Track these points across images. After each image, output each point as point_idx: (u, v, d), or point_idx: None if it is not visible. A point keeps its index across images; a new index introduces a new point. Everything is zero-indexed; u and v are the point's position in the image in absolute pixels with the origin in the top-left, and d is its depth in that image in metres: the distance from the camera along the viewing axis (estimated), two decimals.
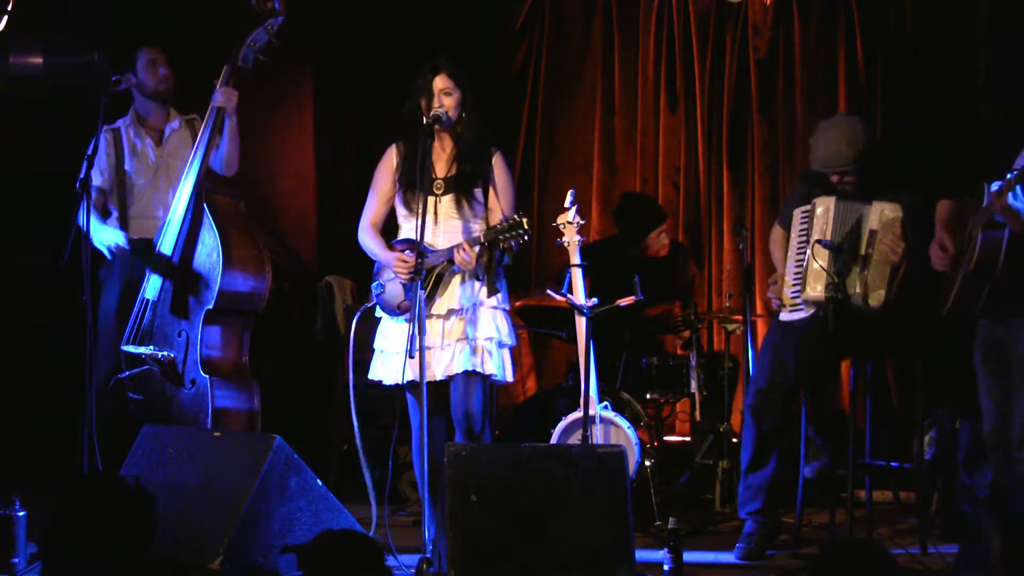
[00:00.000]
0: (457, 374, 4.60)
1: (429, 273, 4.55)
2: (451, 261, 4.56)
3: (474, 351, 4.58)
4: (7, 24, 5.77)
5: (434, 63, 4.64)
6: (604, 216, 6.91)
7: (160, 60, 5.38)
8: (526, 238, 4.47)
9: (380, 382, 4.73)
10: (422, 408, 4.31)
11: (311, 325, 6.55)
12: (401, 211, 4.76)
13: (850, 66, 6.67)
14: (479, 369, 4.59)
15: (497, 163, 4.71)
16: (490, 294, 4.61)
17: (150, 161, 5.34)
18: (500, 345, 4.65)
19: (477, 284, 4.62)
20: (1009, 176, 4.25)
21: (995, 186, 4.28)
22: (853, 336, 4.79)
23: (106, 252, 5.17)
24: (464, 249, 4.49)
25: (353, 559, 2.95)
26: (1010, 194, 4.25)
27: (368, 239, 4.80)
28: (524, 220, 4.45)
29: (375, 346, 4.77)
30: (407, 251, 4.59)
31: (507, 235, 4.47)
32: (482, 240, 4.53)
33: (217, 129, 5.13)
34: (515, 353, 5.04)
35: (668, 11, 6.91)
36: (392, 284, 4.64)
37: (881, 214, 4.82)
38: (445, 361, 4.59)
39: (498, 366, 4.63)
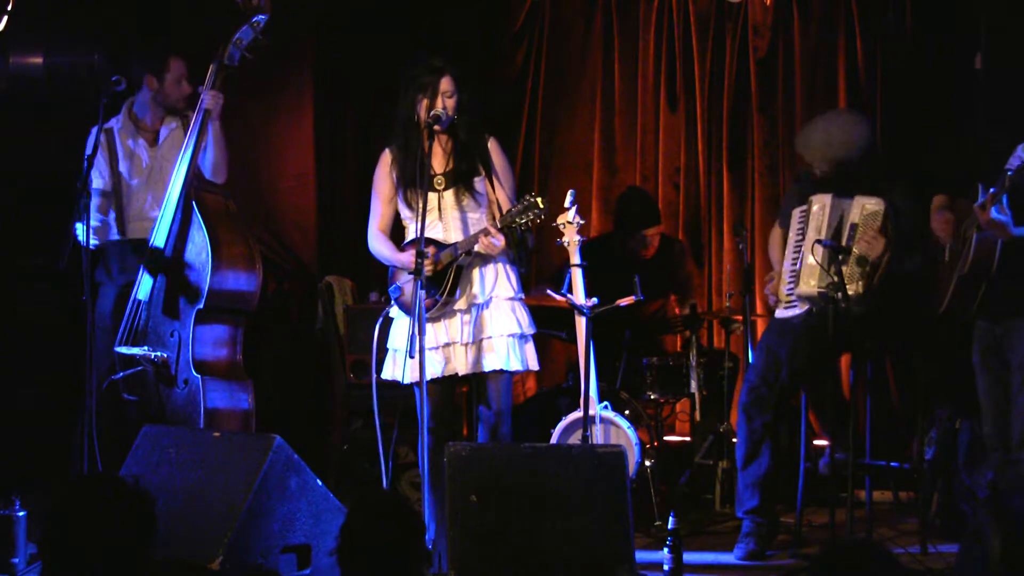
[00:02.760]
0: (485, 372, 4.63)
1: (448, 268, 4.56)
2: (469, 253, 4.56)
3: (499, 348, 4.60)
4: (7, 24, 5.77)
5: (438, 64, 4.62)
6: (604, 216, 6.91)
7: (186, 75, 5.31)
8: (543, 217, 4.48)
9: (395, 381, 4.71)
10: (422, 407, 4.31)
11: (311, 325, 6.54)
12: (404, 212, 4.76)
13: (850, 66, 6.66)
14: (506, 367, 4.61)
15: (493, 149, 4.71)
16: (521, 267, 4.67)
17: (143, 163, 5.29)
18: (522, 338, 4.67)
19: (493, 276, 4.64)
20: (992, 190, 4.26)
21: (979, 200, 4.30)
22: (847, 333, 4.79)
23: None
24: (490, 233, 4.50)
25: (392, 519, 3.04)
26: (994, 208, 4.26)
27: (379, 244, 4.80)
28: (539, 199, 4.46)
29: (388, 346, 4.77)
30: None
31: (524, 216, 4.49)
32: (498, 225, 4.54)
33: (204, 130, 5.09)
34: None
35: (668, 11, 6.91)
36: (409, 285, 4.63)
37: (862, 208, 4.87)
38: (471, 358, 4.61)
39: (521, 360, 4.65)
